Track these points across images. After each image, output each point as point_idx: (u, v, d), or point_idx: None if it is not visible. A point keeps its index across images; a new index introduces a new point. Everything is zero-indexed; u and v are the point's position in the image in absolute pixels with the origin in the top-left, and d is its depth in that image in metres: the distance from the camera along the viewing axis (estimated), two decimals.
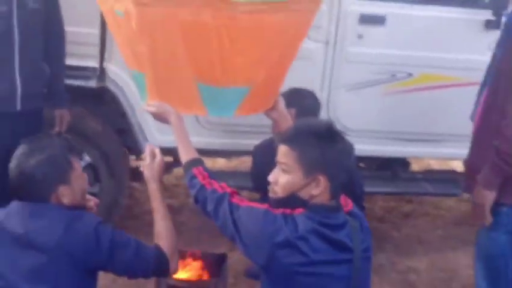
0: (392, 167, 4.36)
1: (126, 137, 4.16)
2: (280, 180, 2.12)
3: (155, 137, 4.03)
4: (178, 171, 5.66)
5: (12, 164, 2.28)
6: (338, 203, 2.12)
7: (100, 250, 2.20)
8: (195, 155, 2.39)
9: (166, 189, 5.31)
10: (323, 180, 2.05)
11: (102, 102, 4.09)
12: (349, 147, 2.14)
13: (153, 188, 2.45)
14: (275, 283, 2.05)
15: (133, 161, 4.55)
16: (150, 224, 4.21)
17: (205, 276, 3.04)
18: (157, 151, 2.50)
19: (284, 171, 2.10)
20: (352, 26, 3.93)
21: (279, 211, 2.06)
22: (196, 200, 2.28)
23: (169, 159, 4.75)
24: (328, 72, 3.97)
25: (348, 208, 2.17)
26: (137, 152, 4.30)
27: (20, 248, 2.18)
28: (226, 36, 2.44)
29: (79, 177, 2.35)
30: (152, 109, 2.54)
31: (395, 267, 4.12)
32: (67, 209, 2.26)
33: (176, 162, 4.72)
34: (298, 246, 1.98)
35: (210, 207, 2.20)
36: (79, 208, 2.31)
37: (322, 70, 3.96)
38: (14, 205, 2.29)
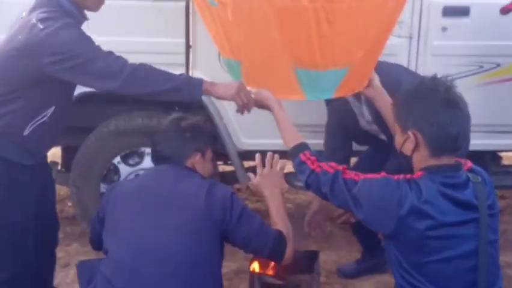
0: (483, 161, 4.25)
1: (214, 142, 4.23)
2: (395, 139, 2.23)
3: (241, 141, 4.11)
4: None
5: (164, 126, 2.60)
6: (456, 161, 2.10)
7: (231, 213, 2.36)
8: (300, 140, 2.43)
9: (253, 193, 5.38)
10: (412, 136, 2.07)
11: (189, 108, 4.19)
12: (444, 100, 2.08)
13: (274, 192, 2.61)
14: (405, 250, 2.06)
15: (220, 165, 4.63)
16: None
17: (298, 274, 3.05)
18: (276, 158, 2.64)
19: (395, 130, 2.20)
20: (435, 19, 3.89)
21: (399, 176, 2.07)
22: (308, 185, 2.31)
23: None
24: (413, 67, 3.92)
25: (468, 166, 2.16)
26: (225, 157, 4.37)
27: (164, 207, 2.36)
28: (324, 17, 2.43)
29: (210, 160, 2.61)
30: (252, 96, 2.58)
31: None
32: (200, 176, 2.49)
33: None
34: (426, 210, 1.99)
35: (324, 189, 2.23)
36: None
37: (406, 65, 3.92)
38: (161, 168, 2.54)
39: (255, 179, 2.65)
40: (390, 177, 2.09)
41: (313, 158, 2.32)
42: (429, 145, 2.07)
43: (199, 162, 2.53)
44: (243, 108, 2.67)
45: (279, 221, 2.51)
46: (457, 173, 2.09)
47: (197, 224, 2.31)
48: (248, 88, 2.61)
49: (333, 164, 2.28)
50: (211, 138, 2.65)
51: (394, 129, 2.32)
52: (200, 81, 2.66)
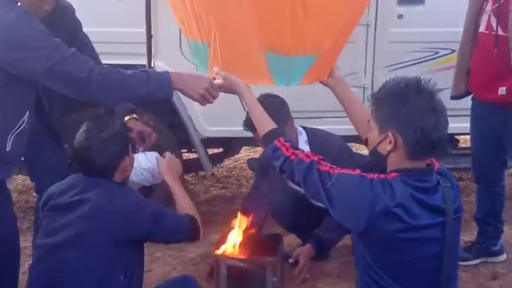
0: None
1: (177, 131, 4.28)
2: (368, 135, 2.24)
3: (204, 128, 4.16)
4: (229, 162, 5.83)
5: (82, 140, 2.43)
6: (428, 165, 2.14)
7: (142, 220, 2.40)
8: (272, 125, 2.41)
9: (218, 180, 5.45)
10: (392, 137, 2.08)
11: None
12: (429, 106, 2.06)
13: (174, 177, 2.79)
14: (373, 248, 2.12)
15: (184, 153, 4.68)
16: (206, 214, 4.37)
17: (262, 256, 3.13)
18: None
19: (370, 127, 2.19)
20: (392, 7, 4.02)
21: (374, 176, 2.09)
22: (281, 171, 2.31)
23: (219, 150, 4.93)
24: (371, 54, 4.06)
25: (436, 167, 2.19)
26: (189, 145, 4.43)
27: (66, 214, 2.40)
28: (300, 2, 2.43)
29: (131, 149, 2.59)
30: (220, 81, 2.55)
31: None
32: (117, 184, 2.48)
33: (226, 152, 4.90)
34: (398, 214, 2.02)
35: (298, 177, 2.23)
36: (125, 181, 2.56)
37: (365, 52, 4.05)
38: (73, 179, 2.51)
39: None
40: (365, 176, 2.10)
41: (287, 144, 2.32)
42: (408, 148, 2.08)
43: (128, 162, 2.51)
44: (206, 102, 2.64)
45: (184, 203, 2.68)
46: (429, 176, 2.12)
47: (94, 235, 2.36)
48: (215, 70, 2.59)
49: (308, 152, 2.29)
50: (128, 130, 2.68)
51: (362, 127, 2.39)
52: (169, 80, 2.54)
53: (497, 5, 3.24)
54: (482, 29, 3.36)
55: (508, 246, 3.96)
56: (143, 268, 2.58)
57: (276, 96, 3.27)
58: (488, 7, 3.31)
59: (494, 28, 3.25)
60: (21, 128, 2.53)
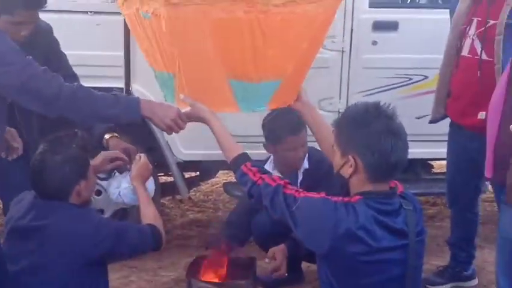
0: (414, 169, 4.43)
1: (154, 154, 4.28)
2: (332, 159, 2.28)
3: (181, 152, 4.17)
4: (206, 187, 5.84)
5: (37, 162, 2.44)
6: (391, 188, 2.19)
7: (104, 240, 2.39)
8: (239, 150, 2.45)
9: (195, 204, 5.44)
10: (352, 161, 2.13)
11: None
12: (387, 129, 2.11)
13: (141, 182, 2.73)
14: (337, 271, 2.15)
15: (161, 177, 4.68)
16: (182, 238, 4.36)
17: (235, 279, 3.13)
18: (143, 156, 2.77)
19: (334, 151, 2.24)
20: (366, 33, 4.08)
21: (337, 199, 2.13)
22: (250, 196, 2.36)
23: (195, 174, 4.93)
24: (345, 79, 4.10)
25: (399, 190, 2.24)
26: (165, 168, 4.44)
27: (26, 240, 2.38)
28: (259, 30, 2.46)
29: (92, 172, 2.57)
30: (187, 109, 2.59)
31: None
32: (74, 207, 2.46)
33: (202, 176, 4.91)
34: (360, 236, 2.06)
35: (265, 201, 2.27)
36: (85, 203, 2.54)
37: (339, 78, 4.10)
38: (30, 201, 2.47)
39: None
40: (328, 199, 2.14)
41: (254, 169, 2.36)
42: (368, 171, 2.13)
43: (84, 186, 2.50)
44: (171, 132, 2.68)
45: (147, 211, 2.64)
46: (391, 199, 2.17)
47: (55, 260, 2.36)
48: (182, 97, 2.62)
49: (275, 176, 2.34)
50: (86, 151, 2.61)
51: (329, 150, 2.40)
52: (138, 106, 2.57)
53: (483, 29, 3.22)
54: (464, 52, 3.35)
55: (479, 271, 3.99)
56: None
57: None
58: (472, 31, 3.30)
59: (478, 52, 3.24)
60: None
